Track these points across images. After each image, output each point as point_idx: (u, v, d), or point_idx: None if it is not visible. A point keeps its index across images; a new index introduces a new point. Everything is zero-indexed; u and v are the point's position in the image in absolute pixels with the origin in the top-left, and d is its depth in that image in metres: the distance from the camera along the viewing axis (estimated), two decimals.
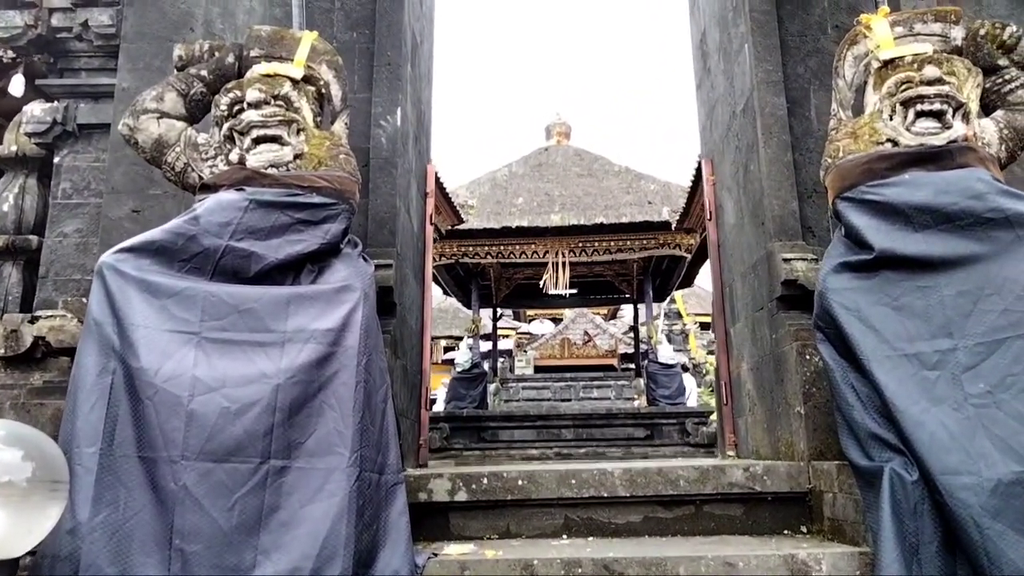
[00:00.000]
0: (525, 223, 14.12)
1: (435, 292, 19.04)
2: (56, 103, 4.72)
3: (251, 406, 2.84)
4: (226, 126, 3.29)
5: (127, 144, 3.49)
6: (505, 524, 3.76)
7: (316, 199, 3.16)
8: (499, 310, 19.06)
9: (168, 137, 3.38)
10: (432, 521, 3.72)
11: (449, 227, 12.51)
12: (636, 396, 15.92)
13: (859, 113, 3.71)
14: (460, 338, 21.13)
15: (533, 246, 14.56)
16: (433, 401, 20.09)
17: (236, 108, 3.28)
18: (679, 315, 28.00)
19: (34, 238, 4.63)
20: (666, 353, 14.91)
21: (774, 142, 4.37)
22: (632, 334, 22.10)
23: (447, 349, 26.46)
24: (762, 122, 4.41)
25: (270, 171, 3.20)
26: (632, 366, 19.14)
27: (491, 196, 14.90)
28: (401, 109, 4.44)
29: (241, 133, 3.26)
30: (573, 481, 3.75)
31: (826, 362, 3.31)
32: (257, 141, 3.24)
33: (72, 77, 4.83)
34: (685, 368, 17.55)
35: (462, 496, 3.72)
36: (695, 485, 3.68)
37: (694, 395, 17.38)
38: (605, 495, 3.70)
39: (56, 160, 4.71)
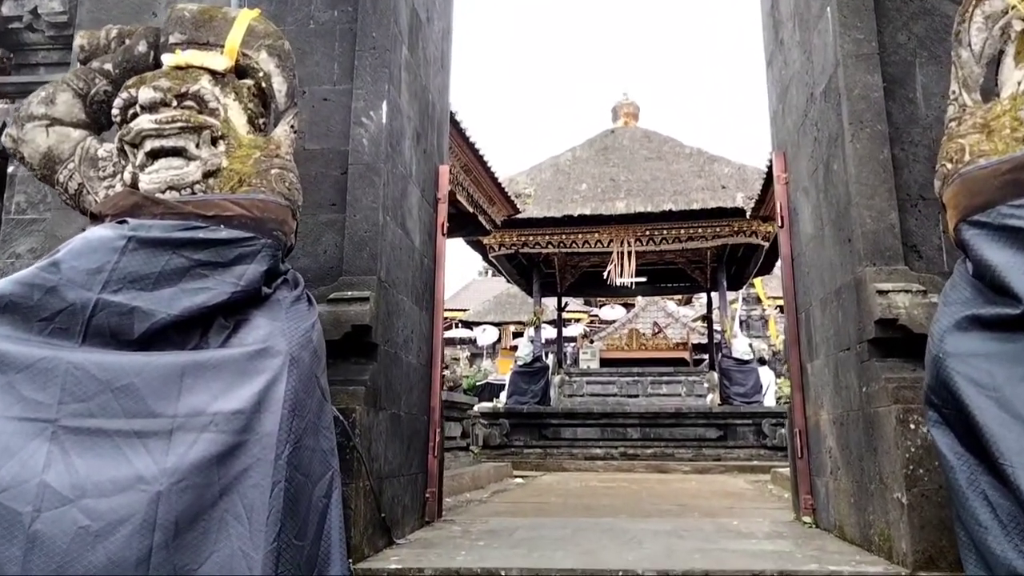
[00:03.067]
0: (588, 211, 13.06)
1: (500, 279, 18.19)
2: (8, 103, 4.03)
3: (120, 524, 2.02)
4: (118, 135, 2.46)
5: (14, 159, 2.72)
6: None
7: (223, 233, 2.30)
8: (566, 297, 18.08)
9: (60, 150, 2.59)
10: None
11: (504, 217, 11.60)
12: (709, 390, 14.71)
13: (991, 97, 2.59)
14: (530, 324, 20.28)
15: (596, 235, 13.50)
16: (501, 388, 19.34)
17: (130, 112, 2.45)
18: (758, 300, 26.33)
19: None
20: (741, 348, 13.64)
21: (866, 133, 3.26)
22: (705, 323, 20.74)
23: (516, 335, 25.72)
24: (849, 108, 3.30)
25: (167, 196, 2.36)
26: (705, 357, 17.89)
27: (553, 183, 13.89)
28: (389, 103, 3.53)
29: (132, 145, 2.43)
30: None
31: (943, 455, 2.27)
32: (152, 155, 2.40)
33: (28, 73, 4.13)
34: (763, 361, 16.18)
35: None
36: None
37: (771, 390, 16.01)
38: None
39: (10, 169, 4.03)
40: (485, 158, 9.71)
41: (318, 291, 3.33)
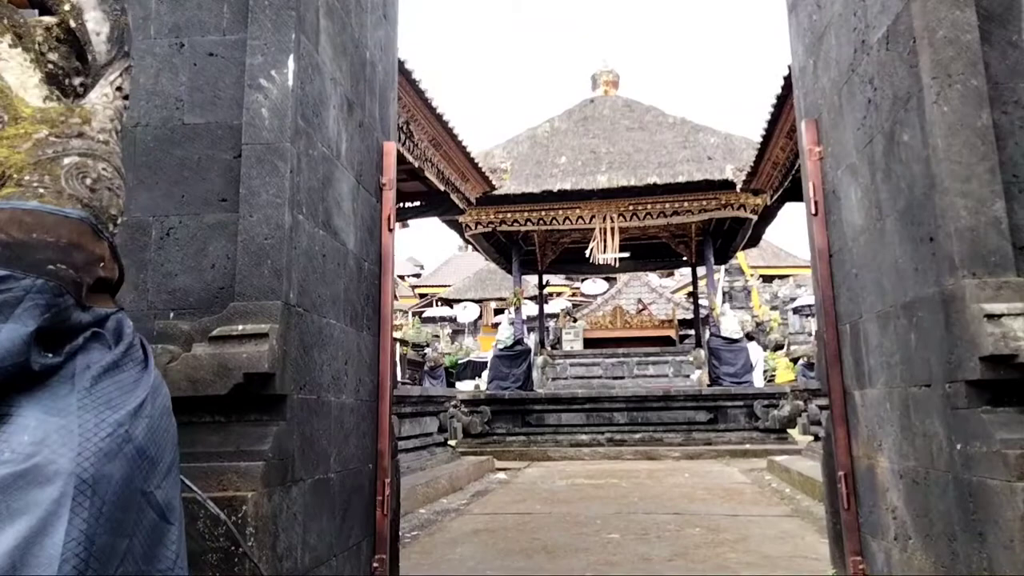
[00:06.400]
0: (568, 186, 12.08)
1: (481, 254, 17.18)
2: None
3: None
4: None
5: None
6: None
7: None
8: (547, 274, 17.14)
9: None
10: None
11: (479, 195, 10.58)
12: (696, 368, 13.87)
13: None
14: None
15: (577, 210, 12.53)
16: (484, 366, 18.39)
17: None
18: (741, 271, 25.57)
19: None
20: (730, 326, 12.79)
21: (956, 91, 2.29)
22: (688, 295, 19.81)
23: (497, 311, 24.75)
24: (932, 56, 2.33)
25: None
26: (691, 332, 17.07)
27: (530, 156, 12.86)
28: (299, 58, 2.51)
29: None
30: None
31: None
32: None
33: None
34: (750, 337, 15.42)
35: None
36: None
37: (760, 367, 15.28)
38: None
39: None
40: (455, 131, 8.67)
41: (201, 323, 2.35)
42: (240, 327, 2.25)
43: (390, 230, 3.42)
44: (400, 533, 5.52)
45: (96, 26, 1.74)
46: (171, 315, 2.42)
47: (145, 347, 1.67)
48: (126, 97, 1.77)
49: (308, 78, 2.60)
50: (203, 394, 2.20)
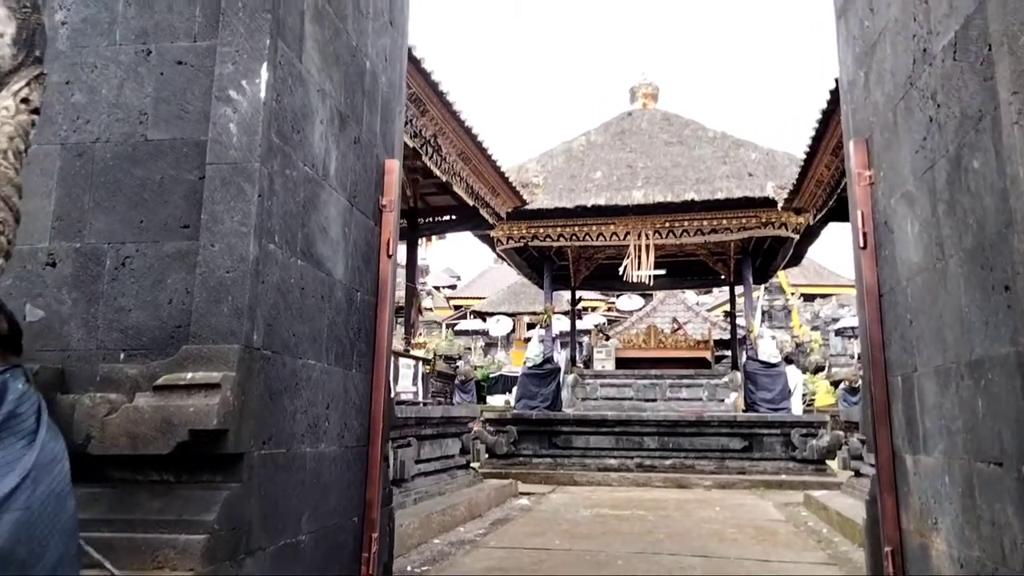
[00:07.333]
0: (602, 201, 11.68)
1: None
2: None
3: None
4: None
5: None
6: None
7: None
8: (580, 291, 16.75)
9: None
10: None
11: (510, 209, 10.28)
12: (732, 390, 13.29)
13: None
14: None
15: (612, 227, 12.12)
16: (515, 380, 18.06)
17: None
18: (781, 289, 24.80)
19: None
20: (768, 350, 12.23)
21: None
22: (724, 315, 19.18)
23: (530, 326, 24.37)
24: (1013, 65, 1.94)
25: None
26: (728, 353, 16.49)
27: (565, 170, 12.51)
28: (274, 66, 2.22)
29: None
30: None
31: None
32: None
33: None
34: (789, 360, 14.77)
35: None
36: None
37: (799, 392, 14.62)
38: None
39: None
40: (485, 144, 8.38)
41: (150, 368, 2.06)
42: (189, 375, 1.95)
43: (389, 256, 3.11)
44: (411, 568, 5.23)
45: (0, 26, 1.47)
46: (122, 356, 2.14)
47: (40, 412, 1.38)
48: (35, 111, 1.49)
49: (287, 89, 2.31)
50: (143, 453, 1.90)
